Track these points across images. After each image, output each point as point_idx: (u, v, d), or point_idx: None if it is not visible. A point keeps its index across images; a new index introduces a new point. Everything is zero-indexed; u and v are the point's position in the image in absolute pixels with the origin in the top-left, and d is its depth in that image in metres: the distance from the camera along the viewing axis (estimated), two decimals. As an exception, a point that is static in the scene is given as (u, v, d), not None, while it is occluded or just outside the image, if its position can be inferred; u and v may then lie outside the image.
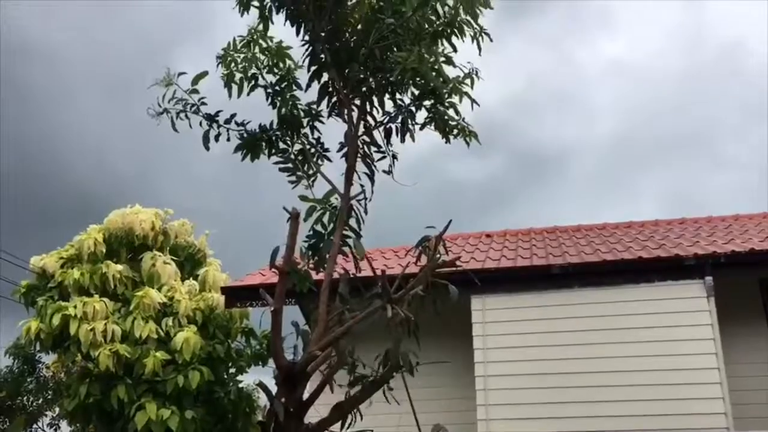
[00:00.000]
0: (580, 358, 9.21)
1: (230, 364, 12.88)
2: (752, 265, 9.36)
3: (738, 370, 9.22)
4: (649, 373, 8.88)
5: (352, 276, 5.18)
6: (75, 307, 11.34)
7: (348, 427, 4.50)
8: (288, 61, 6.08)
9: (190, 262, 13.55)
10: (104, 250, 12.37)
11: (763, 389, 9.37)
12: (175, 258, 12.87)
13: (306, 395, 4.63)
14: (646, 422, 8.59)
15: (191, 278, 12.95)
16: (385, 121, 6.00)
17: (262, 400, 13.73)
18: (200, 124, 5.93)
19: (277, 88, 6.02)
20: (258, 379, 4.48)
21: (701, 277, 9.17)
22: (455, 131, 5.98)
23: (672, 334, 9.04)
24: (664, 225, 12.65)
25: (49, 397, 15.32)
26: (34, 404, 15.36)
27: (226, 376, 12.83)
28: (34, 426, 15.45)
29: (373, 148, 5.99)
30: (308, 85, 6.02)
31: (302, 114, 6.07)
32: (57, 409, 14.74)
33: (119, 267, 12.08)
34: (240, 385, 13.28)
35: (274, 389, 4.53)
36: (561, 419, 8.86)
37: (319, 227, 5.30)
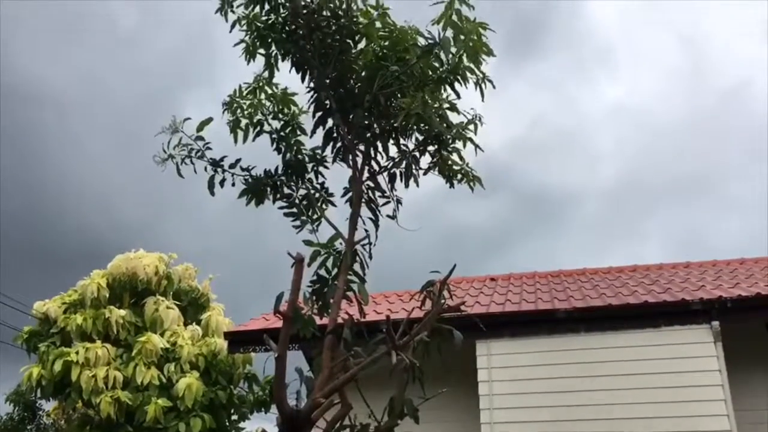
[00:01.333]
0: (587, 405, 9.08)
1: (232, 411, 12.77)
2: (759, 309, 9.28)
3: (747, 416, 9.07)
4: (656, 419, 8.74)
5: (356, 321, 5.15)
6: (77, 353, 11.30)
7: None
8: (293, 107, 6.14)
9: (193, 307, 13.54)
10: (107, 295, 12.38)
11: (771, 436, 9.21)
12: (178, 302, 12.86)
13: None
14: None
15: (194, 323, 12.92)
16: (389, 166, 6.02)
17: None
18: (205, 169, 5.96)
19: (282, 133, 6.07)
20: (260, 427, 4.42)
21: (708, 322, 9.10)
22: (459, 176, 6.00)
23: (679, 380, 8.93)
24: (669, 269, 12.60)
25: (49, 445, 15.12)
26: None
27: (228, 423, 12.70)
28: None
29: (378, 193, 6.00)
30: (313, 131, 6.06)
31: (307, 159, 6.11)
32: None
33: (122, 312, 12.07)
34: (242, 433, 13.14)
35: (277, 437, 4.47)
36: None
37: (323, 272, 5.28)
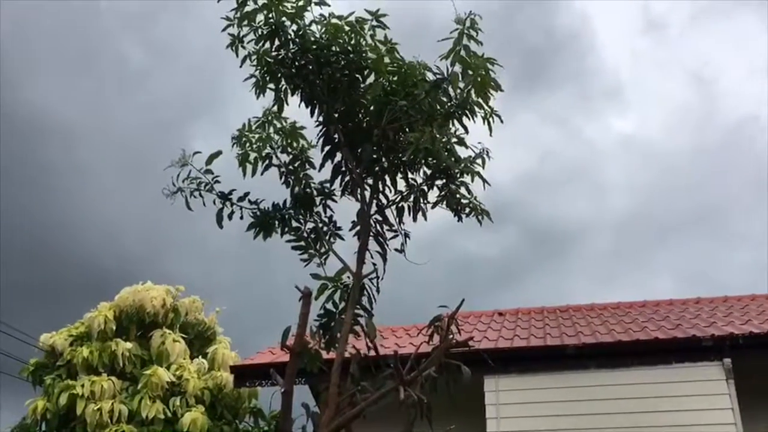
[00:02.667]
0: (596, 442, 8.94)
1: (237, 446, 12.60)
2: (771, 346, 9.17)
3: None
4: (668, 459, 8.60)
5: (363, 356, 5.11)
6: (83, 386, 11.24)
7: None
8: (302, 141, 6.19)
9: (199, 340, 13.47)
10: (114, 328, 12.33)
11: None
12: (184, 335, 12.80)
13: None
14: None
15: (200, 356, 12.84)
16: (398, 200, 6.04)
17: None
18: (214, 202, 5.99)
19: (290, 167, 6.11)
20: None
21: (719, 359, 8.98)
22: (467, 209, 6.01)
23: (691, 418, 8.78)
24: (680, 304, 12.48)
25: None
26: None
27: (233, 459, 12.54)
28: None
29: (386, 227, 6.01)
30: (322, 165, 6.10)
31: (315, 193, 6.14)
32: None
33: (128, 345, 12.02)
34: (247, 468, 12.97)
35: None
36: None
37: (330, 306, 5.27)
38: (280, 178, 6.13)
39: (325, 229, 6.07)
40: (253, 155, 5.94)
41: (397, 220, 6.05)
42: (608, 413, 9.08)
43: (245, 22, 5.82)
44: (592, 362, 9.46)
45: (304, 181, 6.09)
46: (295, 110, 6.15)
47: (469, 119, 5.78)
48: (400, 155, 5.74)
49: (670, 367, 9.17)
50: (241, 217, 6.03)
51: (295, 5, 5.76)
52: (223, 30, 5.93)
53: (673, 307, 12.21)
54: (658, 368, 9.19)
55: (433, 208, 6.07)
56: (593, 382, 9.36)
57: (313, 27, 5.83)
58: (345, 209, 6.13)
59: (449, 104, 5.75)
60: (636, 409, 9.01)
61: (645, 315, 11.55)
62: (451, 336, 4.45)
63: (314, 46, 5.76)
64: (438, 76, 5.66)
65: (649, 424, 8.84)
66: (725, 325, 9.83)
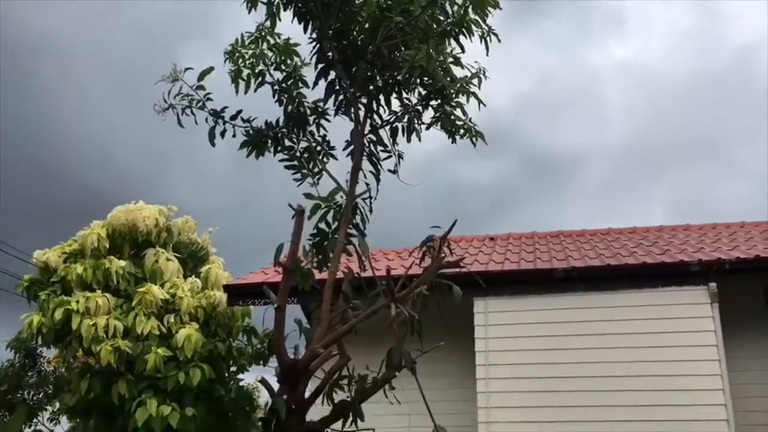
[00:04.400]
0: (582, 362, 9.18)
1: (231, 363, 12.88)
2: (757, 271, 9.33)
3: (741, 377, 9.18)
4: (650, 378, 8.85)
5: (356, 275, 5.16)
6: (77, 302, 11.35)
7: (349, 426, 4.47)
8: (295, 58, 6.06)
9: (192, 260, 13.56)
10: (107, 246, 12.37)
11: (765, 397, 9.33)
12: (177, 255, 12.87)
13: (308, 393, 4.61)
14: (647, 427, 8.57)
15: (194, 275, 12.95)
16: (392, 120, 5.98)
17: (263, 399, 13.75)
18: (206, 120, 5.92)
19: (283, 85, 6.00)
20: (261, 376, 4.45)
21: (705, 284, 9.14)
22: (462, 131, 5.95)
23: (675, 340, 9.01)
24: (669, 231, 12.61)
25: (50, 391, 15.32)
26: (35, 398, 15.37)
27: (227, 375, 12.83)
28: (35, 420, 15.47)
29: (379, 147, 5.97)
30: (315, 83, 6.00)
31: (308, 111, 6.06)
32: (57, 404, 14.74)
33: (122, 263, 12.09)
34: (241, 384, 13.29)
35: (276, 387, 4.50)
36: (562, 422, 8.83)
37: (323, 225, 5.28)
38: (273, 96, 6.03)
39: (318, 148, 6.02)
40: (246, 72, 5.82)
41: (391, 140, 6.00)
42: (595, 334, 9.30)
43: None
44: (581, 285, 9.62)
45: (297, 100, 6.00)
46: (289, 27, 6.00)
47: (465, 38, 5.66)
48: (395, 74, 5.64)
49: (656, 291, 9.34)
50: (234, 136, 5.97)
51: None
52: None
53: (663, 234, 12.34)
54: (645, 292, 9.36)
55: (427, 128, 6.01)
56: (581, 305, 9.54)
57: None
58: (338, 129, 6.07)
59: (446, 22, 5.62)
60: (622, 330, 9.22)
61: (634, 241, 11.68)
62: (443, 256, 4.48)
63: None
64: (435, -8, 5.50)
65: (634, 345, 9.07)
66: (713, 250, 9.96)
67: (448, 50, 5.74)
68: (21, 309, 12.37)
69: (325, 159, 5.99)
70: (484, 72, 5.66)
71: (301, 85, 6.05)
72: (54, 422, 16.04)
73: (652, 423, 8.58)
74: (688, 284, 9.26)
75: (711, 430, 8.43)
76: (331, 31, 5.81)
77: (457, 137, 5.97)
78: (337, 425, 4.54)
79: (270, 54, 5.93)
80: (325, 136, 6.12)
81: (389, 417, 5.76)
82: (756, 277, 9.48)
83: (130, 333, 11.49)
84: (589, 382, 9.04)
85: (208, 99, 5.87)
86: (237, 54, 5.81)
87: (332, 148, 6.07)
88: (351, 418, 4.49)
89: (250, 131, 5.95)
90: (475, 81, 5.66)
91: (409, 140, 5.98)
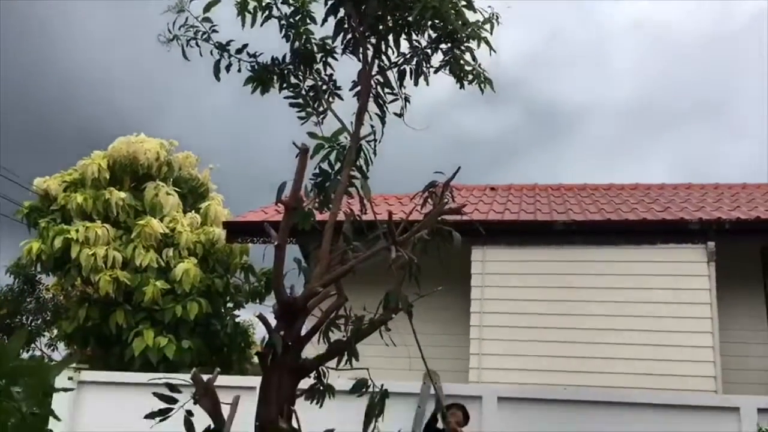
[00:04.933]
0: (576, 314, 9.28)
1: (228, 299, 13.01)
2: (756, 232, 9.36)
3: (731, 335, 9.30)
4: (643, 333, 8.96)
5: (357, 217, 5.15)
6: (77, 231, 11.39)
7: (344, 365, 4.53)
8: (304, -6, 5.92)
9: (192, 195, 13.56)
10: (108, 177, 12.36)
11: (754, 356, 9.47)
12: (178, 190, 12.86)
13: (304, 331, 4.65)
14: (636, 380, 8.71)
15: (193, 211, 12.97)
16: (400, 62, 5.87)
17: (258, 336, 13.93)
18: (211, 53, 5.81)
19: (291, 20, 5.85)
20: (259, 312, 4.48)
21: (704, 242, 9.18)
22: (470, 77, 5.86)
23: (669, 296, 9.09)
24: (671, 189, 12.59)
25: (48, 318, 15.53)
26: (33, 324, 15.58)
27: (223, 310, 12.98)
28: (32, 345, 15.71)
29: (386, 90, 5.88)
30: (324, 20, 5.86)
31: (316, 49, 5.93)
32: (55, 331, 14.95)
33: (122, 194, 12.09)
34: (237, 320, 13.45)
35: (273, 324, 4.54)
36: (552, 372, 8.97)
37: (326, 166, 5.24)
38: (280, 31, 5.89)
39: (324, 87, 5.92)
40: (252, 4, 5.69)
41: (398, 83, 5.90)
42: (590, 287, 9.37)
43: None
44: (579, 238, 9.65)
45: (304, 36, 5.87)
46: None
47: (480, -20, 5.52)
48: (406, 14, 5.51)
49: (654, 248, 9.37)
50: (239, 70, 5.87)
51: None
52: None
53: (664, 191, 12.32)
54: (643, 248, 9.40)
55: (435, 72, 5.91)
56: (579, 258, 9.59)
57: None
58: (346, 69, 5.97)
59: (461, -38, 5.47)
60: (617, 285, 9.30)
61: (636, 197, 11.67)
62: (445, 202, 4.46)
63: None
64: (451, -69, 5.34)
65: (629, 300, 9.16)
66: (714, 210, 9.96)
67: (462, -8, 5.61)
68: (20, 235, 12.42)
69: (330, 99, 5.90)
70: (497, 17, 5.54)
71: (309, 21, 5.90)
72: (52, 348, 16.30)
73: (642, 377, 8.72)
74: (686, 242, 9.29)
75: (698, 385, 8.58)
76: (341, -33, 5.66)
77: (466, 83, 5.89)
78: (332, 363, 4.59)
79: (278, -13, 5.78)
80: (331, 75, 6.01)
81: (384, 359, 5.84)
82: (755, 238, 9.51)
83: (129, 264, 11.57)
84: (582, 335, 9.15)
85: (214, 31, 5.75)
86: (245, -15, 5.66)
87: (338, 87, 5.97)
88: (346, 358, 4.53)
89: (256, 66, 5.85)
90: (488, 26, 5.54)
91: (416, 83, 5.88)
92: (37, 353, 16.05)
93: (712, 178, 14.83)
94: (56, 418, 3.95)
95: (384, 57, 5.84)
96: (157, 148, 12.76)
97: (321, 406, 4.56)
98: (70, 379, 8.31)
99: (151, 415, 3.95)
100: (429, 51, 5.85)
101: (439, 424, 7.05)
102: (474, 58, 5.75)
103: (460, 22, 5.46)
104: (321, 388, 4.61)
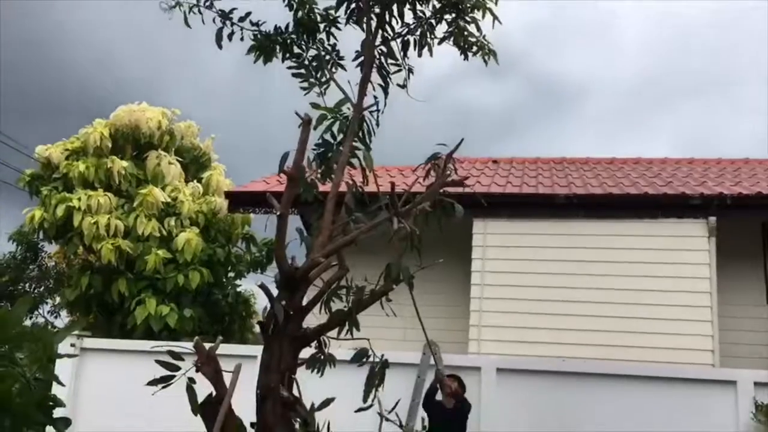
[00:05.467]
0: (576, 288, 9.31)
1: (229, 268, 13.07)
2: (758, 208, 9.35)
3: (730, 310, 9.35)
4: (642, 306, 9.00)
5: (359, 188, 5.15)
6: (79, 199, 11.41)
7: (345, 335, 4.56)
8: (308, -38, 5.86)
9: (194, 165, 13.56)
10: (110, 145, 12.34)
11: (753, 330, 9.53)
12: (179, 159, 12.86)
13: (305, 302, 4.68)
14: (634, 353, 8.77)
15: (195, 181, 12.98)
16: (404, 32, 5.83)
17: (259, 305, 14.03)
18: (213, 21, 5.77)
19: (295, -11, 5.82)
20: (261, 281, 4.50)
21: (705, 217, 9.18)
22: (474, 48, 5.82)
23: (669, 270, 9.12)
24: (673, 164, 12.57)
25: (51, 285, 15.62)
26: (36, 291, 15.69)
27: (225, 280, 13.05)
28: (35, 312, 15.84)
29: (389, 61, 5.84)
30: (328, -11, 5.82)
31: (319, 18, 5.89)
32: (58, 298, 15.05)
33: (124, 163, 12.09)
34: (238, 290, 13.53)
35: (275, 294, 4.56)
36: (551, 344, 9.03)
37: (328, 136, 5.23)
38: (284, 0, 5.86)
39: (327, 57, 5.89)
40: (256, -28, 5.64)
41: (402, 53, 5.86)
42: (590, 261, 9.40)
43: None
44: (581, 212, 9.65)
45: (308, 6, 5.83)
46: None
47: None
48: (411, -16, 5.46)
49: (655, 222, 9.38)
50: (242, 39, 5.83)
51: None
52: None
53: (666, 166, 12.29)
54: (644, 222, 9.41)
55: (440, 43, 5.86)
56: (580, 232, 9.60)
57: None
58: (349, 39, 5.92)
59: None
60: (618, 258, 9.32)
61: (638, 171, 11.64)
62: (448, 173, 4.45)
63: None
64: None
65: (629, 273, 9.19)
66: (715, 185, 9.95)
67: (467, -39, 5.54)
68: (21, 203, 12.45)
69: (333, 69, 5.87)
70: (503, -14, 5.48)
71: (312, -10, 5.86)
72: (54, 315, 16.44)
73: (641, 350, 8.78)
74: (687, 217, 9.29)
75: (696, 358, 8.64)
76: (346, -65, 5.59)
77: (470, 54, 5.85)
78: (333, 333, 4.63)
79: (282, -46, 5.72)
80: (335, 45, 5.97)
81: (384, 329, 5.89)
82: (756, 213, 9.51)
83: (131, 233, 11.61)
84: (581, 307, 9.19)
85: (217, -1, 5.71)
86: (248, -47, 5.61)
87: (341, 58, 5.94)
88: (347, 328, 4.57)
89: (259, 35, 5.81)
90: (493, -3, 5.49)
91: (420, 54, 5.84)
92: (40, 320, 16.19)
93: (714, 154, 14.77)
94: (60, 383, 4.01)
95: (388, 27, 5.79)
96: (159, 117, 12.73)
97: (322, 375, 4.60)
98: (72, 346, 8.38)
99: (153, 382, 3.98)
100: (433, 21, 5.79)
101: (439, 396, 7.12)
102: (479, 29, 5.70)
103: (464, -7, 5.41)
104: (322, 357, 4.65)
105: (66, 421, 3.79)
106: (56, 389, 4.41)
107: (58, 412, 3.79)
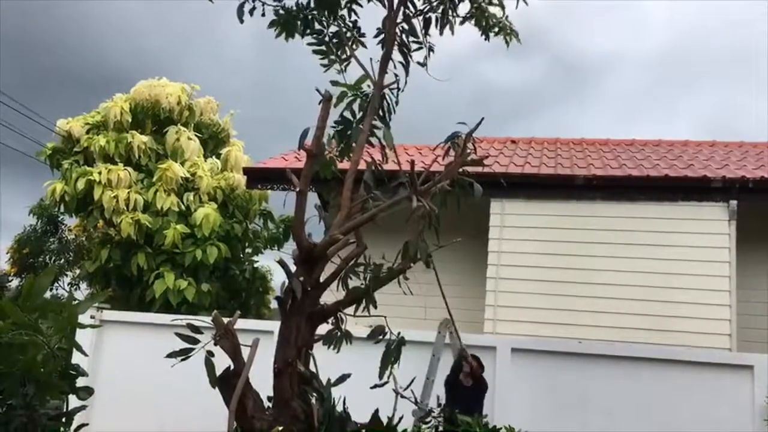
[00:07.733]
0: (592, 270, 9.28)
1: (247, 244, 13.16)
2: (781, 192, 9.22)
3: (749, 295, 9.28)
4: (660, 290, 8.96)
5: (378, 166, 5.14)
6: (99, 173, 11.52)
7: (362, 311, 4.59)
8: (330, -63, 5.81)
9: (213, 140, 13.61)
10: (130, 120, 12.41)
11: (771, 316, 9.47)
12: (199, 135, 12.91)
13: (323, 278, 4.71)
14: (652, 336, 8.75)
15: (214, 156, 13.03)
16: (426, 10, 5.78)
17: (276, 281, 14.14)
18: (235, -6, 5.76)
19: (317, -36, 5.78)
20: (280, 257, 4.53)
21: (726, 201, 9.08)
22: (496, 29, 5.78)
23: (689, 254, 9.05)
24: (694, 146, 12.42)
25: (71, 258, 15.80)
26: (56, 264, 15.87)
27: (242, 255, 13.15)
28: (56, 284, 16.04)
29: (411, 38, 5.80)
30: (350, -35, 5.78)
31: (341, -5, 5.86)
32: (78, 271, 15.22)
33: (144, 138, 12.16)
34: (255, 265, 13.62)
35: (293, 270, 4.59)
36: (567, 326, 9.03)
37: (348, 114, 5.22)
38: (305, -24, 5.83)
39: (348, 34, 5.86)
40: (278, -53, 5.61)
41: (423, 31, 5.82)
42: (609, 243, 9.35)
43: None
44: (599, 194, 9.58)
45: (330, -19, 5.80)
46: None
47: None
48: (434, -40, 5.41)
49: (676, 205, 9.30)
50: (263, 14, 5.82)
51: None
52: None
53: (688, 148, 12.15)
54: (664, 204, 9.33)
55: (462, 23, 5.82)
56: (598, 213, 9.54)
57: None
58: (370, 16, 5.88)
59: None
60: (637, 241, 9.25)
61: (658, 153, 11.53)
62: (468, 152, 4.44)
63: None
64: None
65: (648, 256, 9.13)
66: (738, 168, 9.83)
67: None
68: (42, 177, 12.57)
69: (354, 46, 5.84)
70: (527, -36, 5.42)
71: (335, -35, 5.82)
72: (74, 287, 16.62)
73: (658, 333, 8.76)
74: (708, 200, 9.20)
75: (713, 342, 8.60)
76: None
77: (491, 35, 5.80)
78: (350, 310, 4.65)
79: (304, -70, 5.68)
80: (356, 21, 5.94)
81: (401, 308, 5.91)
82: (779, 197, 9.40)
83: (150, 208, 11.71)
84: (598, 289, 9.17)
85: (238, -27, 5.69)
86: (270, -72, 5.57)
87: (362, 35, 5.90)
88: (364, 305, 4.59)
89: (280, 11, 5.79)
90: (517, -27, 5.43)
91: (441, 33, 5.79)
92: (60, 292, 16.41)
93: (737, 136, 14.58)
94: (83, 352, 4.07)
95: (410, 4, 5.74)
96: (178, 93, 12.76)
97: (338, 351, 4.63)
98: (92, 317, 8.50)
99: (172, 355, 4.03)
100: (456, 0, 5.74)
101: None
102: (503, 7, 5.65)
103: (488, -31, 5.35)
104: (339, 333, 4.69)
105: (89, 390, 3.86)
106: (78, 358, 4.49)
107: (80, 382, 3.86)
